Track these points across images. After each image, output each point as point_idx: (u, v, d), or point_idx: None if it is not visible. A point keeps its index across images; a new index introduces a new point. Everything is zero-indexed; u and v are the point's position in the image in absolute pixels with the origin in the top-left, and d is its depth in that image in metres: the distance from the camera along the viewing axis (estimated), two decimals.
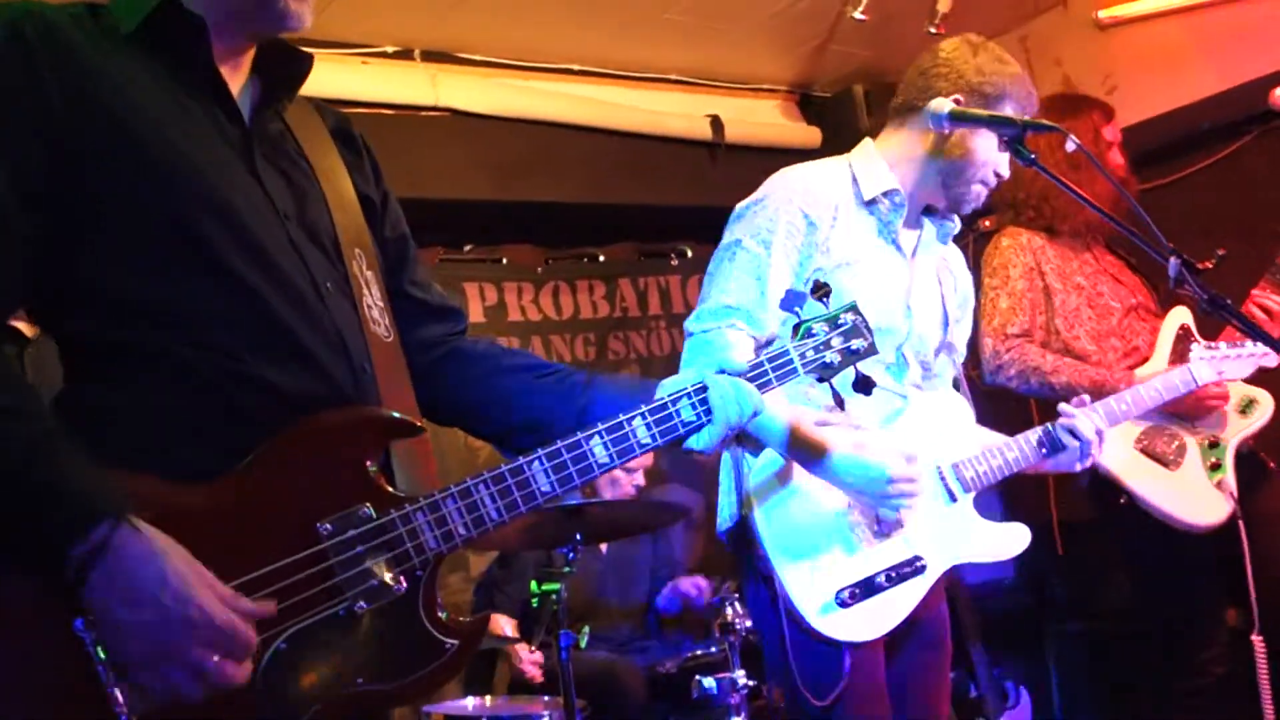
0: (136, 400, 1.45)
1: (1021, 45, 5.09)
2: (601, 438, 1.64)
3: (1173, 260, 1.96)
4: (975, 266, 3.91)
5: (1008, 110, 2.46)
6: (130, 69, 1.50)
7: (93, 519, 1.30)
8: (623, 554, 4.51)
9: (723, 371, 1.76)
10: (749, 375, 1.78)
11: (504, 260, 5.35)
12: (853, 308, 1.89)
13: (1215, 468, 3.22)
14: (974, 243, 5.56)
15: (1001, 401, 3.38)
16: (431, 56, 4.79)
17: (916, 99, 2.52)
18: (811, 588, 2.31)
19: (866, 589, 2.32)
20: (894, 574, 2.35)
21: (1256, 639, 3.07)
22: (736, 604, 3.65)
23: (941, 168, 2.51)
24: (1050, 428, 2.55)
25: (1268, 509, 3.33)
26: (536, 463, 1.59)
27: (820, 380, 1.86)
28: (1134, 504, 3.21)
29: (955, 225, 2.67)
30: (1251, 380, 3.30)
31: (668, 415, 1.69)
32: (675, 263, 5.84)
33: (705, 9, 4.69)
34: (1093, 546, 3.39)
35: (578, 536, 3.39)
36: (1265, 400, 3.33)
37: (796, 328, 1.85)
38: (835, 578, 2.32)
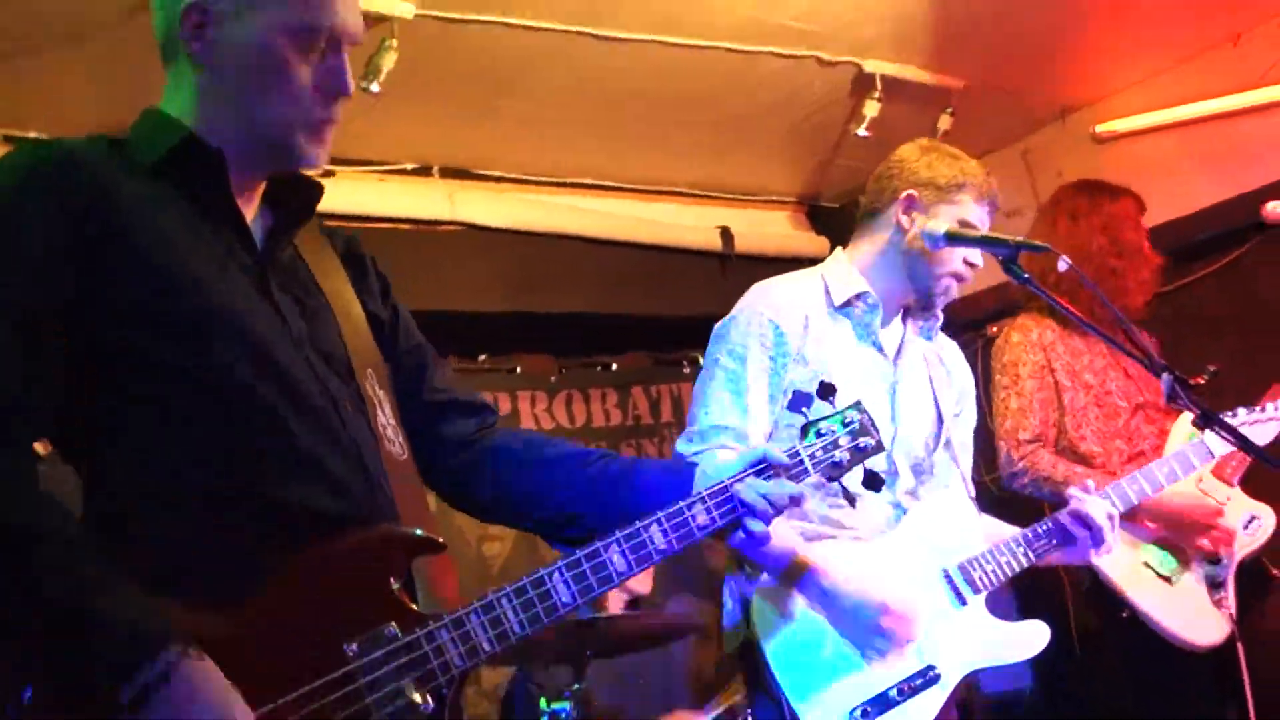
0: (162, 526, 1.47)
1: (1023, 159, 5.21)
2: (619, 546, 1.64)
3: (1165, 376, 2.00)
4: (983, 373, 3.96)
5: (967, 198, 2.53)
6: (152, 199, 1.55)
7: (160, 646, 1.32)
8: (640, 661, 4.48)
9: (764, 463, 1.76)
10: (757, 470, 1.78)
11: (518, 369, 5.41)
12: (858, 406, 1.91)
13: (1215, 585, 3.16)
14: (981, 349, 5.64)
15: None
16: (449, 173, 4.93)
17: (875, 203, 2.62)
18: (824, 709, 2.27)
19: (881, 705, 2.28)
20: (907, 687, 2.31)
21: None
22: (749, 716, 3.62)
23: (907, 265, 2.57)
24: (1059, 517, 2.53)
25: (1271, 621, 3.28)
26: (557, 573, 1.60)
27: (830, 479, 1.87)
28: (1135, 617, 3.17)
29: (938, 320, 2.72)
30: (1255, 494, 3.27)
31: (684, 522, 1.69)
32: (688, 370, 5.89)
33: (717, 127, 4.83)
34: (1102, 653, 3.34)
35: (588, 653, 3.38)
36: (1268, 517, 3.28)
37: (805, 428, 1.87)
38: (847, 696, 2.28)
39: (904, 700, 2.31)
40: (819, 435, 1.86)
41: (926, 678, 2.34)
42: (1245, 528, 3.26)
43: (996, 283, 5.30)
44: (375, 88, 3.82)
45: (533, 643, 3.41)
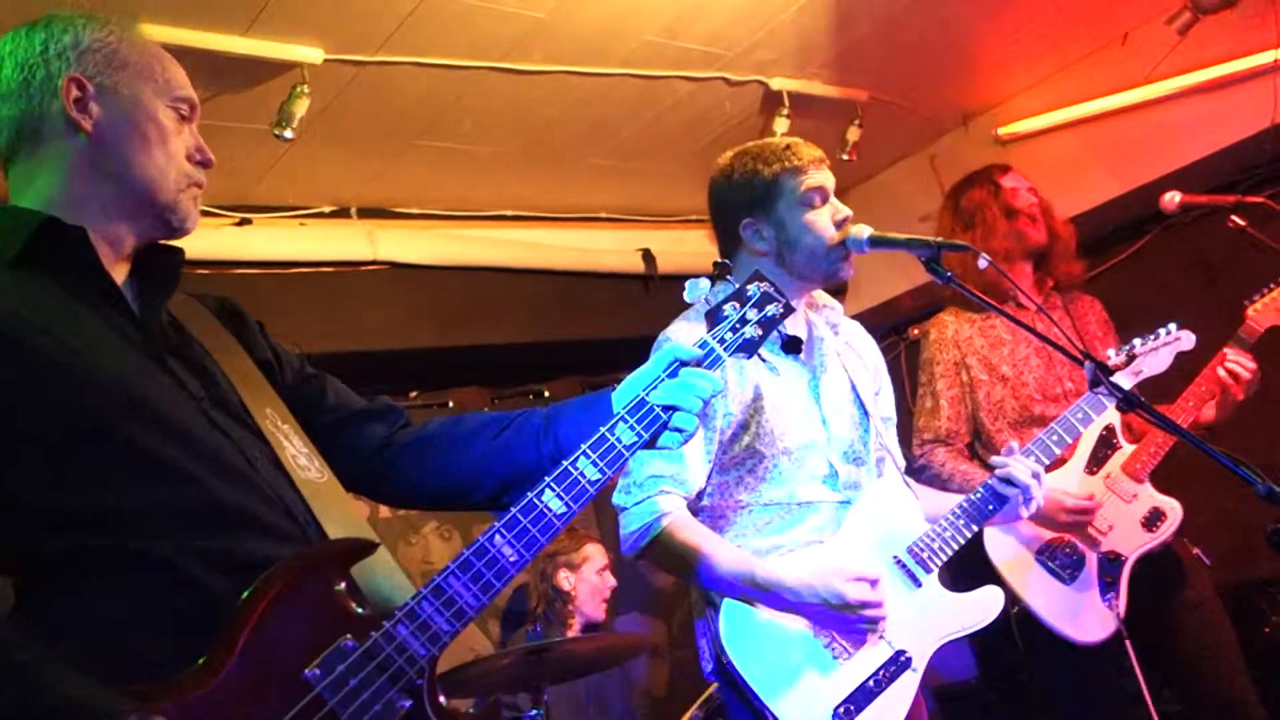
0: (100, 608, 1.45)
1: (931, 164, 5.35)
2: (554, 489, 1.63)
3: (1088, 364, 2.08)
4: (905, 376, 4.04)
5: (789, 182, 2.56)
6: (19, 290, 1.54)
7: (114, 716, 1.30)
8: (598, 682, 4.50)
9: (676, 361, 1.75)
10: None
11: (450, 404, 5.41)
12: (756, 275, 1.87)
13: (1109, 585, 3.18)
14: (905, 350, 5.76)
15: None
16: (367, 213, 4.94)
17: (730, 235, 2.67)
18: (807, 713, 2.30)
19: (861, 698, 2.33)
20: (883, 675, 2.37)
21: None
22: None
23: (790, 268, 2.60)
24: (989, 482, 2.59)
25: (1186, 597, 3.30)
26: (498, 535, 1.59)
27: (748, 357, 1.84)
28: (1025, 613, 3.21)
29: (838, 308, 2.78)
30: (1164, 489, 3.31)
31: (610, 446, 1.67)
32: None
33: (628, 150, 4.90)
34: (1047, 644, 3.39)
35: (544, 679, 3.39)
36: (1173, 514, 3.29)
37: (709, 314, 1.84)
38: (827, 697, 2.32)
39: (882, 689, 2.36)
40: (723, 318, 1.84)
41: (899, 663, 2.40)
42: (1148, 525, 3.27)
43: (913, 285, 5.46)
44: (289, 134, 3.82)
45: (490, 673, 3.43)
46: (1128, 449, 3.36)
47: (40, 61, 1.65)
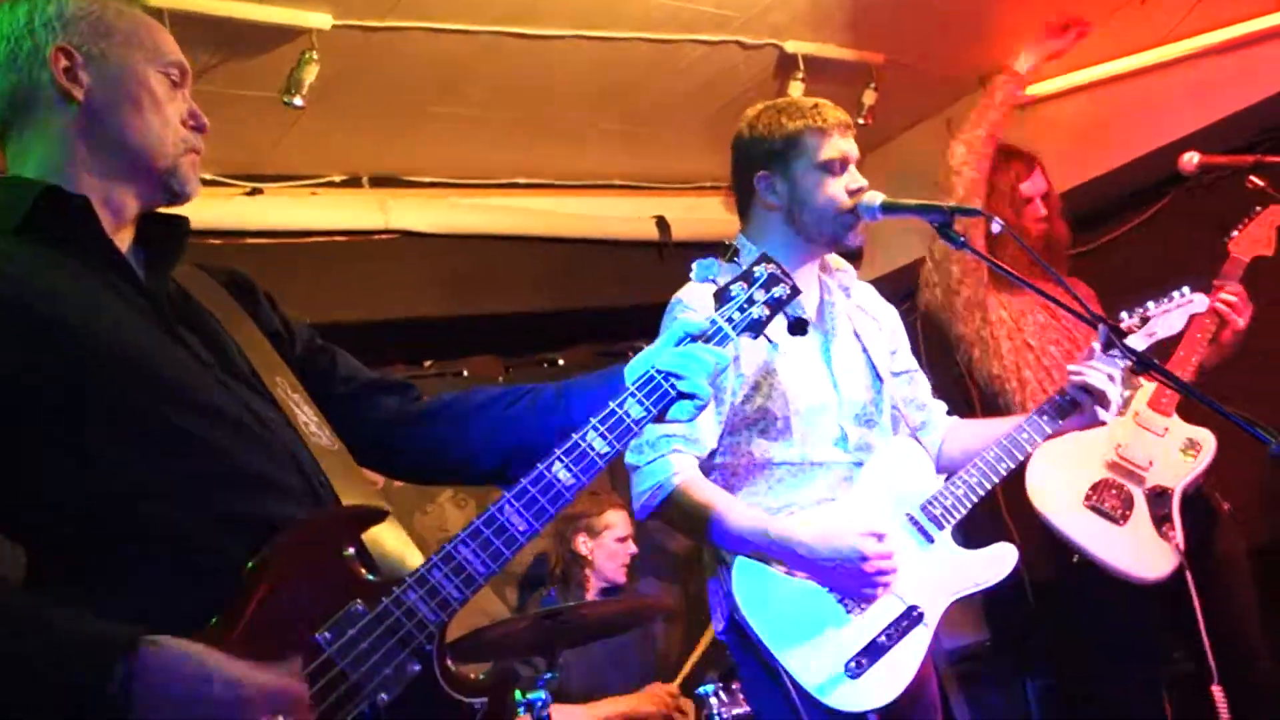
0: (115, 577, 1.45)
1: (947, 127, 5.28)
2: (562, 460, 1.65)
3: (1101, 328, 2.07)
4: (921, 342, 4.04)
5: (810, 142, 2.57)
6: (25, 263, 1.52)
7: (113, 653, 1.33)
8: (617, 644, 4.52)
9: (686, 335, 1.77)
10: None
11: (465, 373, 5.42)
12: (764, 257, 1.90)
13: (1162, 519, 3.20)
14: (921, 317, 5.74)
15: None
16: (379, 182, 4.92)
17: (743, 191, 2.69)
18: (819, 667, 2.32)
19: (872, 653, 2.35)
20: (894, 631, 2.38)
21: (1216, 689, 3.00)
22: (721, 694, 3.67)
23: (799, 230, 2.61)
24: (1065, 389, 2.56)
25: (1220, 551, 3.34)
26: (507, 505, 1.61)
27: (755, 337, 1.88)
28: (1086, 562, 3.22)
29: (850, 271, 2.78)
30: (1193, 419, 3.35)
31: (619, 420, 1.69)
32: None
33: (641, 116, 4.86)
34: (1059, 604, 3.41)
35: (559, 642, 3.40)
36: (1208, 442, 3.33)
37: (718, 295, 1.86)
38: (839, 651, 2.34)
39: (893, 644, 2.37)
40: (731, 298, 1.86)
41: (911, 618, 2.41)
42: (1185, 454, 3.32)
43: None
44: (298, 102, 3.80)
45: (505, 637, 3.45)
46: (1150, 386, 3.37)
47: (26, 33, 1.64)
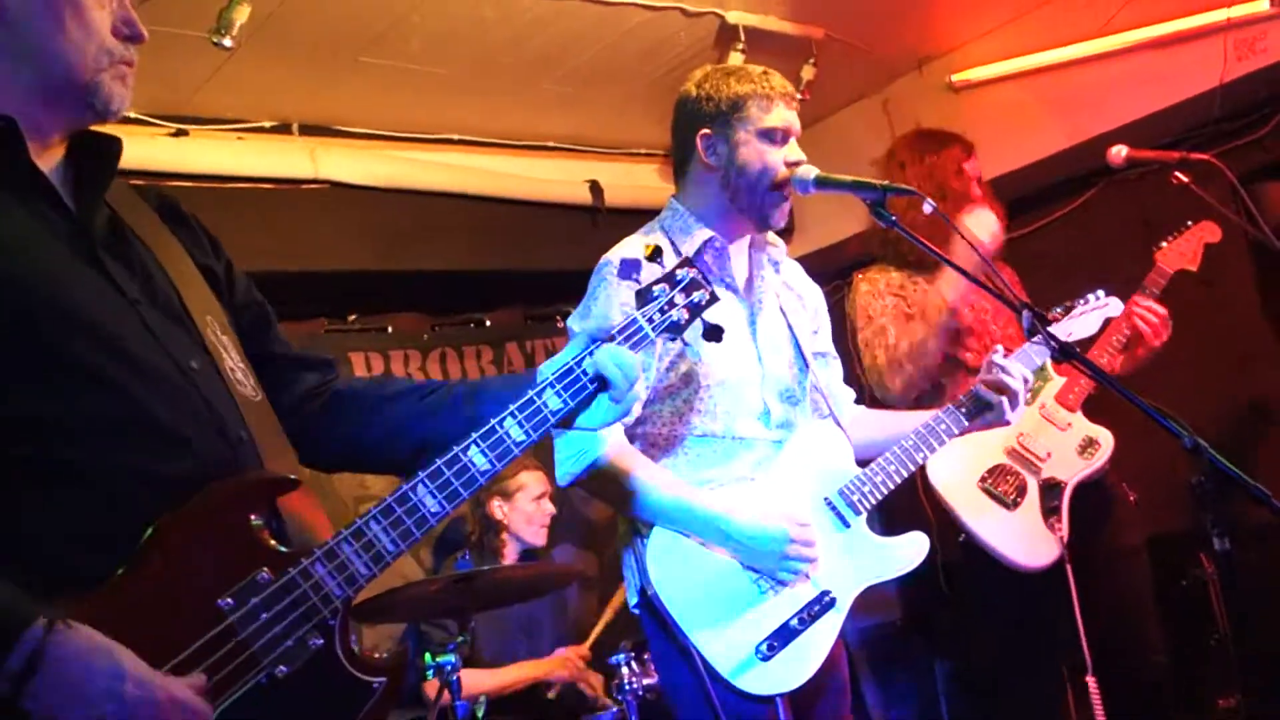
0: (19, 517, 1.41)
1: (884, 109, 5.32)
2: (478, 445, 1.66)
3: (1025, 314, 2.09)
4: (843, 326, 4.04)
5: (754, 108, 2.56)
6: None
7: (23, 625, 1.28)
8: (528, 611, 4.52)
9: (595, 340, 1.77)
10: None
11: (389, 329, 5.35)
12: (686, 261, 1.92)
13: (1051, 510, 3.25)
14: (848, 295, 5.77)
15: None
16: (309, 130, 4.81)
17: (681, 152, 2.67)
18: (730, 649, 2.32)
19: (784, 636, 2.35)
20: (806, 615, 2.38)
21: (1090, 680, 3.04)
22: (633, 664, 3.68)
23: (733, 199, 2.60)
24: (976, 388, 2.60)
25: (1118, 543, 3.41)
26: (420, 485, 1.61)
27: (673, 339, 1.91)
28: (971, 542, 3.27)
29: (781, 247, 2.78)
30: (1094, 418, 3.41)
31: (536, 409, 1.70)
32: (561, 325, 5.89)
33: (580, 78, 4.81)
34: (966, 587, 3.46)
35: (471, 606, 3.38)
36: (1106, 441, 3.42)
37: (640, 294, 1.89)
38: (750, 633, 2.34)
39: (805, 628, 2.37)
40: (653, 298, 1.88)
41: (823, 603, 2.41)
42: (1082, 451, 3.39)
43: (861, 229, 5.46)
44: (228, 43, 3.70)
45: (417, 598, 3.42)
46: (1058, 380, 3.47)
47: None
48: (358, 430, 1.85)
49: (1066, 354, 2.09)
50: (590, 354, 1.75)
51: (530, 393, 1.70)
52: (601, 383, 1.75)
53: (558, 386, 1.73)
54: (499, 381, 1.84)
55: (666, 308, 1.87)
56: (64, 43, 1.56)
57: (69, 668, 1.29)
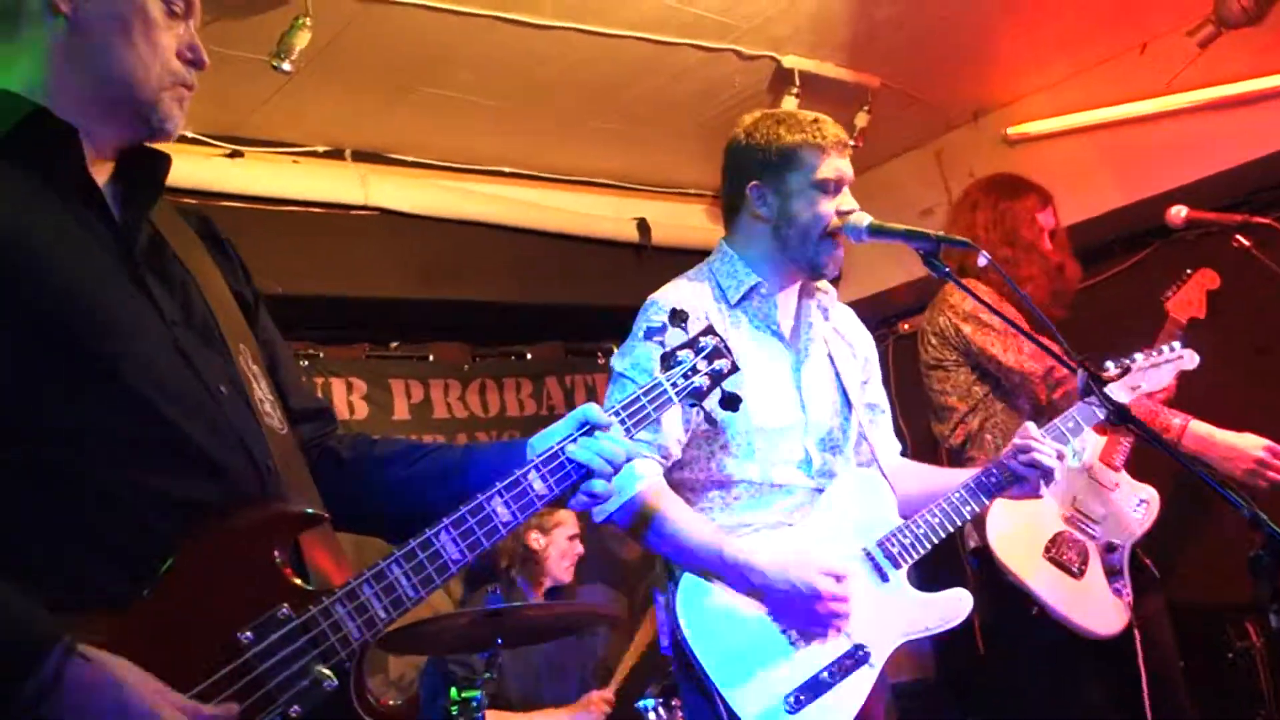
0: (38, 524, 1.39)
1: (936, 159, 5.29)
2: (502, 497, 1.65)
3: (1080, 373, 2.04)
4: (892, 369, 3.99)
5: (808, 158, 2.52)
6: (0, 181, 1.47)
7: (43, 649, 1.26)
8: (556, 651, 4.47)
9: (587, 423, 1.75)
10: (629, 413, 1.81)
11: (430, 358, 5.36)
12: (709, 329, 1.94)
13: (1113, 574, 3.20)
14: (893, 344, 5.72)
15: None
16: (362, 156, 4.85)
17: (732, 199, 2.63)
18: (757, 698, 2.26)
19: (813, 689, 2.29)
20: (838, 668, 2.32)
21: None
22: (660, 710, 3.63)
23: (783, 247, 2.56)
24: (1006, 461, 2.51)
25: (1147, 609, 3.31)
26: (444, 532, 1.59)
27: (693, 405, 1.91)
28: (1045, 613, 3.18)
29: (831, 293, 2.73)
30: (1140, 476, 3.34)
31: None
32: (602, 361, 5.88)
33: (631, 117, 4.82)
34: (1008, 648, 3.38)
35: (499, 641, 3.35)
36: (1153, 499, 3.35)
37: (664, 358, 1.90)
38: (779, 683, 2.28)
39: (836, 682, 2.31)
40: (677, 363, 1.89)
41: (856, 657, 2.35)
42: (1134, 512, 3.31)
43: (910, 279, 5.41)
44: (287, 67, 3.73)
45: (446, 631, 3.38)
46: (1098, 440, 3.36)
47: None
48: (345, 491, 1.81)
49: (1122, 417, 2.03)
50: (574, 440, 1.74)
51: (516, 473, 1.69)
52: (588, 471, 1.73)
53: (544, 470, 1.71)
54: (490, 454, 1.81)
55: (690, 374, 1.89)
56: (133, 59, 1.57)
57: (84, 696, 1.27)
